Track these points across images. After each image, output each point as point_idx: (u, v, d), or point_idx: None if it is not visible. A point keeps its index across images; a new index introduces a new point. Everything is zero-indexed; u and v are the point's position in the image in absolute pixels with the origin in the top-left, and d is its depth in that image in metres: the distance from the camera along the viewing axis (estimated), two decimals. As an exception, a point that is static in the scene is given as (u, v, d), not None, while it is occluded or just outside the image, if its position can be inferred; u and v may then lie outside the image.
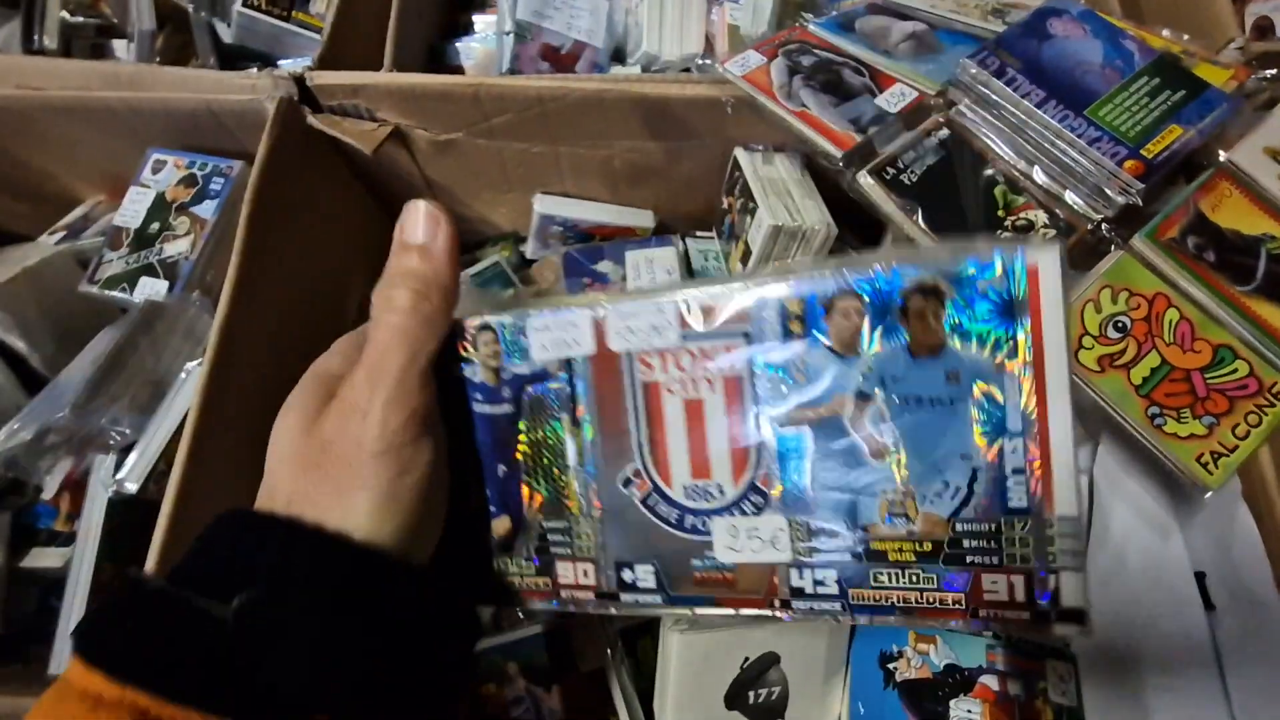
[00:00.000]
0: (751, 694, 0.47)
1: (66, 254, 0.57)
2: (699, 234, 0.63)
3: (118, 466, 0.43)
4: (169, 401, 0.44)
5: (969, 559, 0.24)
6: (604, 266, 0.55)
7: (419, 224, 0.28)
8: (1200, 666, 0.39)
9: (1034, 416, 0.22)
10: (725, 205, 0.56)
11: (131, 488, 0.42)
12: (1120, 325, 0.38)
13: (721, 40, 0.62)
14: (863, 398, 0.24)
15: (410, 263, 0.27)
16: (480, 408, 0.28)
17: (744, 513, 0.26)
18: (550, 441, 0.28)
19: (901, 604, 0.24)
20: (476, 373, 0.28)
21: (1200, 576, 0.40)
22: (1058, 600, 0.23)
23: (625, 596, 0.27)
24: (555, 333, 0.27)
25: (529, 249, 0.67)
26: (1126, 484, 0.41)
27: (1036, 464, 0.22)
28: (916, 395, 0.23)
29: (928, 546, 0.24)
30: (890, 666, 0.48)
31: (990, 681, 0.45)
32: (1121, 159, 0.39)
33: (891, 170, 0.42)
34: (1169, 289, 0.39)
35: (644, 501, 0.27)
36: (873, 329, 0.23)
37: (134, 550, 0.37)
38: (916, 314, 0.23)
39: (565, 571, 0.28)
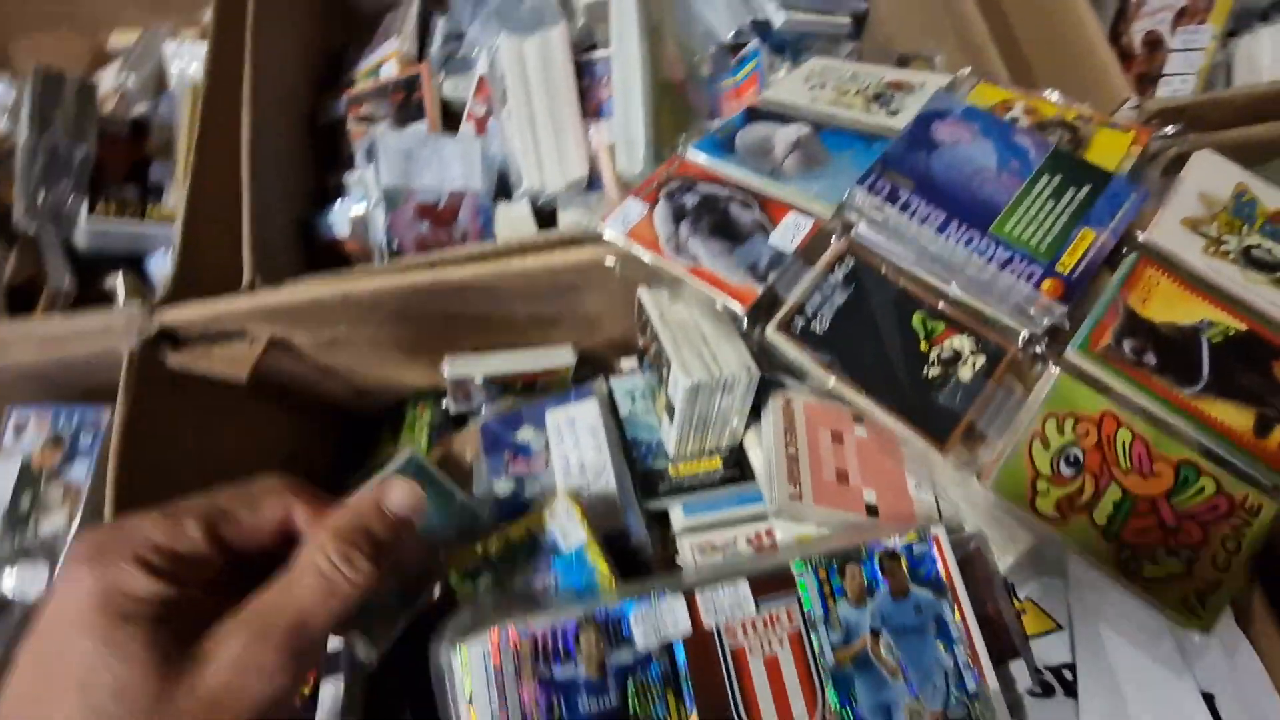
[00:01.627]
0: None
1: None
2: (622, 368, 0.59)
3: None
4: None
5: (958, 738, 0.35)
6: (525, 435, 0.51)
7: (405, 499, 0.29)
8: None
9: (963, 625, 0.36)
10: (641, 344, 0.53)
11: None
12: (1072, 459, 0.35)
13: (604, 156, 0.59)
14: (875, 634, 0.35)
15: (383, 531, 0.28)
16: (585, 705, 0.31)
17: None
18: (657, 724, 0.31)
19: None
20: (579, 671, 0.31)
21: (1209, 699, 0.37)
22: None
23: None
24: (655, 618, 0.33)
25: (450, 406, 0.62)
26: (1118, 609, 0.38)
27: (972, 657, 0.36)
28: (903, 625, 0.36)
29: (937, 737, 0.34)
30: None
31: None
32: (1038, 280, 0.36)
33: (800, 320, 0.39)
34: (1115, 406, 0.36)
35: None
36: (869, 584, 0.36)
37: None
38: (889, 571, 0.37)
39: None
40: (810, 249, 0.42)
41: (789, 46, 0.70)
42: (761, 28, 0.68)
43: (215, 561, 0.26)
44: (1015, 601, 0.47)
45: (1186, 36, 0.58)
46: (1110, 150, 0.42)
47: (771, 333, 0.39)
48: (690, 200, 0.44)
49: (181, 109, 0.63)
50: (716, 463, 0.49)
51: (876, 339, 0.39)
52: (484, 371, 0.58)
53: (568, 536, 0.41)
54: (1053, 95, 0.46)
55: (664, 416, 0.49)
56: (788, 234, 0.42)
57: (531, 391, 0.60)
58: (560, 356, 0.59)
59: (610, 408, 0.54)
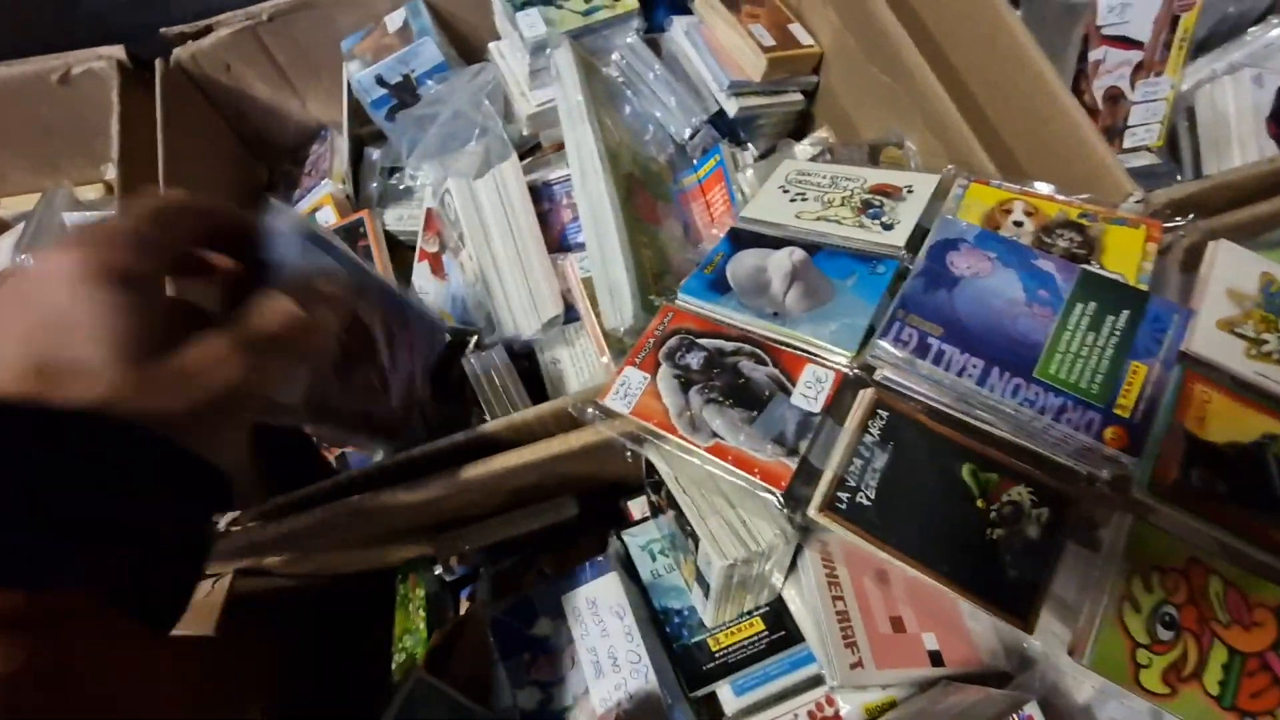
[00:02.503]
0: None
1: None
2: (631, 512, 0.54)
3: None
4: None
5: None
6: (542, 628, 0.45)
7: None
8: None
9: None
10: (653, 500, 0.48)
11: None
12: (1167, 619, 0.32)
13: (577, 287, 0.54)
14: None
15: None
16: None
17: None
18: None
19: None
20: None
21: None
22: None
23: None
24: None
25: (445, 575, 0.57)
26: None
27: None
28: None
29: None
30: None
31: None
32: (1098, 429, 0.33)
33: (844, 495, 0.35)
34: (1198, 551, 0.33)
35: None
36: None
37: None
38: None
39: None
40: (836, 402, 0.38)
41: (743, 129, 0.67)
42: (715, 119, 0.65)
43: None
44: (1096, 726, 0.44)
45: (1146, 89, 0.57)
46: (1125, 251, 0.40)
47: (816, 514, 0.35)
48: (695, 359, 0.40)
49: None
50: (758, 624, 0.45)
51: (930, 502, 0.35)
52: (480, 542, 0.53)
53: (621, 777, 0.36)
54: (1046, 189, 0.44)
55: (694, 585, 0.45)
56: (811, 391, 0.38)
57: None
58: (561, 509, 0.54)
59: (628, 568, 0.49)
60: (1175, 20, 0.55)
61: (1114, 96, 0.58)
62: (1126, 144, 0.59)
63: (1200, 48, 0.63)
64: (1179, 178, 0.59)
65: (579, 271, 0.53)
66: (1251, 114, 0.53)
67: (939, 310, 0.37)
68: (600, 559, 0.47)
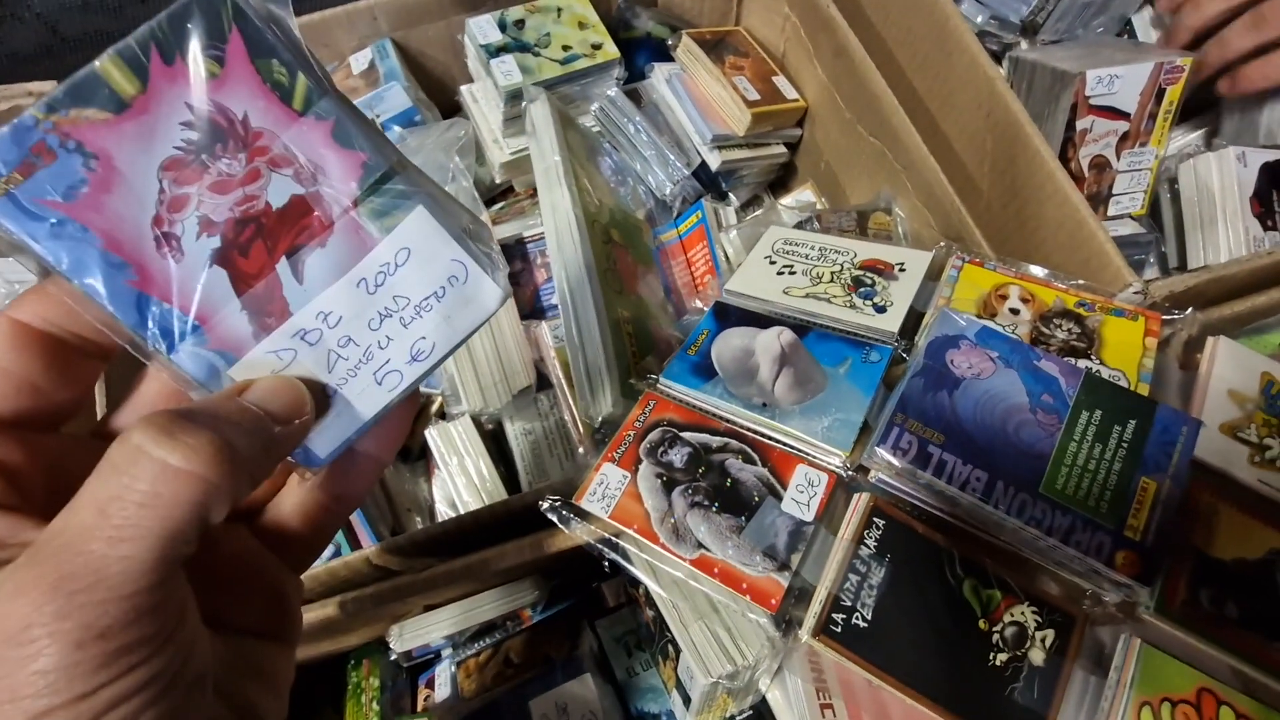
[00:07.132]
0: None
1: None
2: (606, 597, 0.51)
3: None
4: None
5: None
6: (509, 736, 0.42)
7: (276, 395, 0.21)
8: None
9: None
10: (631, 594, 0.45)
11: None
12: (1180, 758, 0.30)
13: (551, 356, 0.51)
14: None
15: (236, 415, 0.19)
16: None
17: None
18: None
19: None
20: None
21: None
22: None
23: None
24: None
25: (402, 660, 0.52)
26: None
27: None
28: None
29: None
30: None
31: None
32: (1108, 553, 0.31)
33: (839, 617, 0.32)
34: (1210, 679, 0.31)
35: None
36: None
37: None
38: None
39: None
40: (829, 507, 0.36)
41: (724, 180, 0.65)
42: (696, 170, 0.63)
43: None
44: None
45: (1131, 159, 0.57)
46: (1125, 344, 0.39)
47: (810, 640, 0.32)
48: (678, 457, 0.37)
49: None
50: (741, 731, 0.42)
51: (930, 624, 0.33)
52: (440, 633, 0.49)
53: None
54: (1040, 272, 0.43)
55: (673, 691, 0.42)
56: (803, 496, 0.35)
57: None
58: (526, 594, 0.50)
59: (601, 664, 0.46)
60: (1161, 92, 0.54)
61: (1099, 165, 0.57)
62: (1111, 211, 0.59)
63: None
64: (1164, 249, 0.58)
65: (553, 340, 0.50)
66: (1236, 191, 0.53)
67: (940, 415, 0.34)
68: (571, 659, 0.44)
